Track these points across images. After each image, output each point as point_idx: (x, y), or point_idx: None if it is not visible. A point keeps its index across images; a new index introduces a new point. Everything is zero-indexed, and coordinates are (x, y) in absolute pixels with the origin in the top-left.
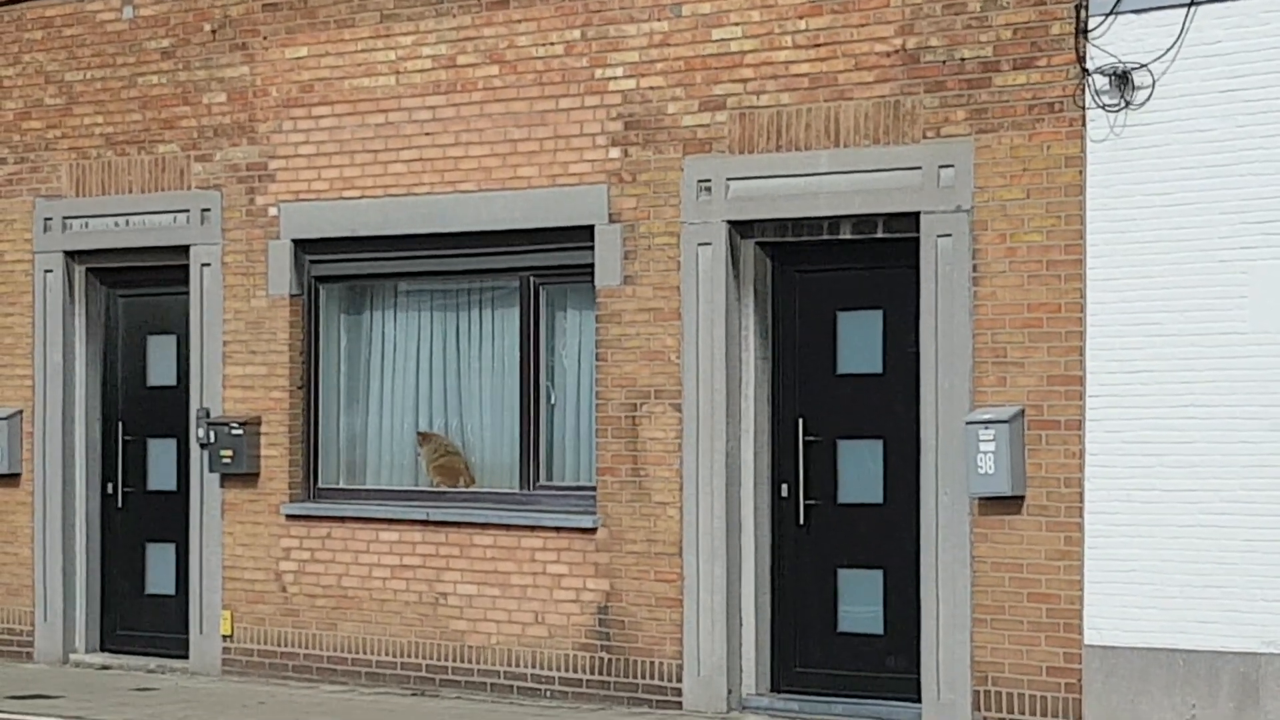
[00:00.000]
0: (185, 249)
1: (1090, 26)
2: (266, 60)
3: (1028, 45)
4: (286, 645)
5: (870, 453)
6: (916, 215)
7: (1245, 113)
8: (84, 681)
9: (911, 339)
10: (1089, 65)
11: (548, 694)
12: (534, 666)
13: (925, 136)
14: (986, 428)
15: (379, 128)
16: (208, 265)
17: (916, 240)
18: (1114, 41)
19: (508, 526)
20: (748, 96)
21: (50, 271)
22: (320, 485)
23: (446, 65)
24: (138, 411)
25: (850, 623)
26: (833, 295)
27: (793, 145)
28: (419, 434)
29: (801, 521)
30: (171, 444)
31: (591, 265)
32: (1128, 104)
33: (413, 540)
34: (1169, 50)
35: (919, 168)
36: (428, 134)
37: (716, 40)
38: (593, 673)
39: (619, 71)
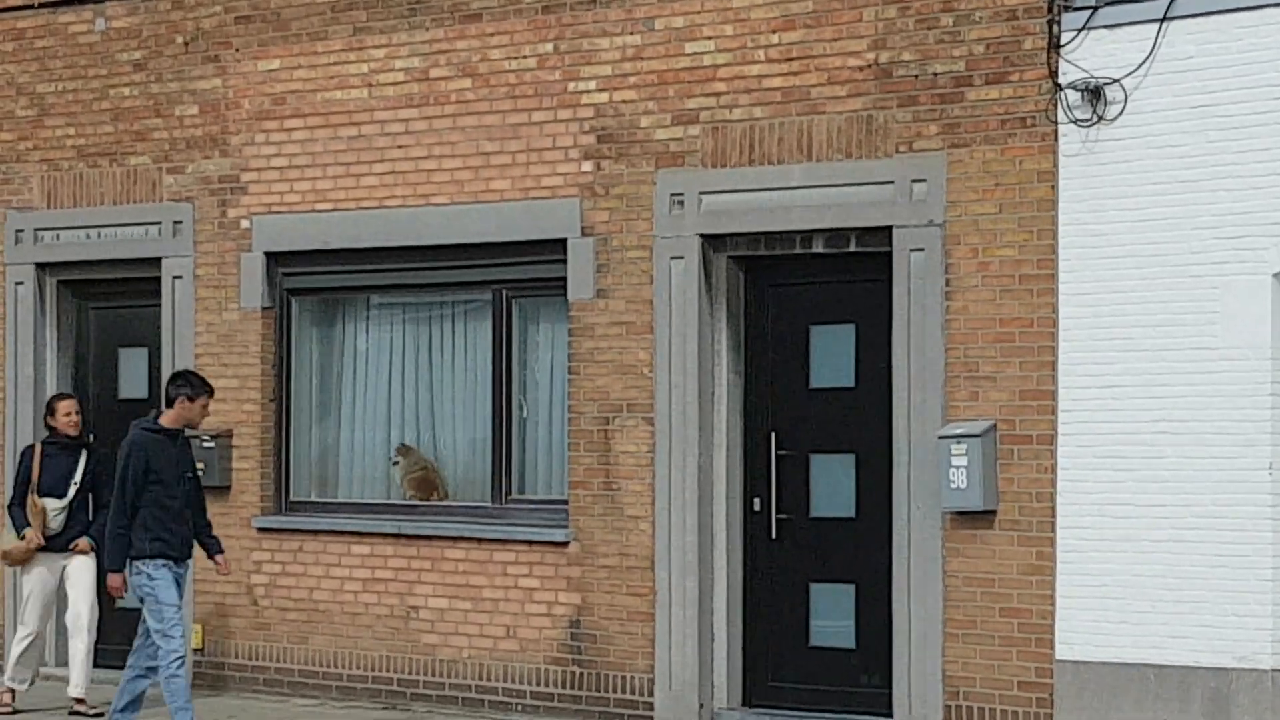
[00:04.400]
0: (157, 261)
1: (1063, 41)
2: (239, 73)
3: (1000, 60)
4: (257, 659)
5: (843, 467)
6: (889, 229)
7: (1217, 128)
8: (53, 696)
9: (884, 353)
10: (1061, 80)
11: (519, 708)
12: (506, 680)
13: (898, 151)
14: (959, 442)
15: (351, 140)
16: (179, 278)
17: (889, 254)
18: (1086, 56)
19: (480, 540)
20: (720, 110)
21: (21, 284)
22: (292, 498)
23: (419, 78)
24: (109, 424)
25: (822, 637)
26: (805, 309)
27: (765, 159)
28: (400, 446)
29: (774, 536)
30: None
31: (564, 279)
32: (1100, 119)
33: (384, 554)
34: (1141, 65)
35: (891, 182)
36: (400, 147)
37: (689, 54)
38: (564, 687)
39: (592, 85)
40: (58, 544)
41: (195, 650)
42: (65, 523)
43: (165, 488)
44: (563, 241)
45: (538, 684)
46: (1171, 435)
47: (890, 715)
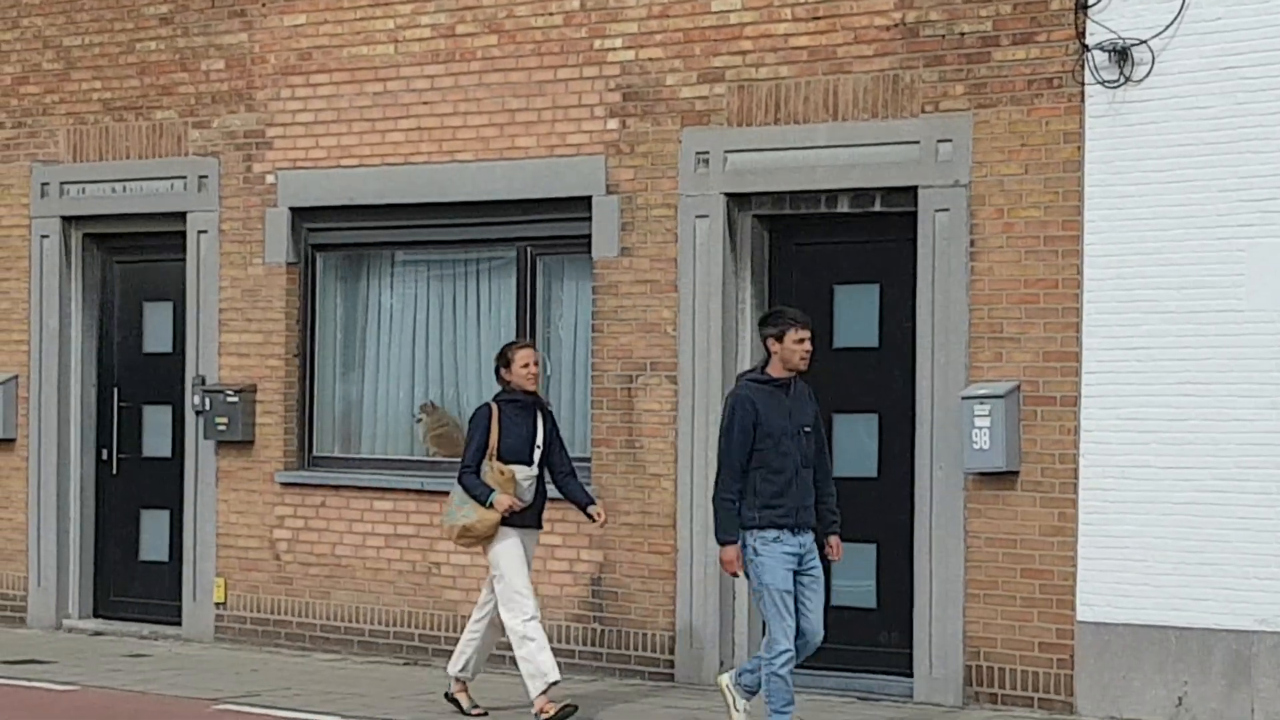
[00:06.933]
0: (182, 216)
1: (1090, 2)
2: (265, 27)
3: (1027, 20)
4: (279, 613)
5: (865, 427)
6: (914, 190)
7: (1244, 90)
8: (77, 647)
9: (908, 313)
10: (1088, 41)
11: None
12: None
13: (924, 111)
14: (982, 403)
15: (377, 96)
16: (205, 232)
17: (914, 215)
18: (1114, 17)
19: None
20: (746, 69)
21: (47, 237)
22: (315, 453)
23: (445, 34)
24: (133, 378)
25: (843, 597)
26: (830, 269)
27: (791, 118)
28: (425, 403)
29: None
30: (167, 410)
31: (588, 236)
32: (1127, 80)
33: (407, 509)
34: (1169, 27)
35: (917, 142)
36: (426, 103)
37: (716, 12)
38: (585, 644)
39: (618, 42)
40: (527, 519)
41: (217, 604)
42: (535, 492)
43: (775, 444)
44: (587, 199)
45: (559, 641)
46: (1195, 398)
47: (910, 675)
